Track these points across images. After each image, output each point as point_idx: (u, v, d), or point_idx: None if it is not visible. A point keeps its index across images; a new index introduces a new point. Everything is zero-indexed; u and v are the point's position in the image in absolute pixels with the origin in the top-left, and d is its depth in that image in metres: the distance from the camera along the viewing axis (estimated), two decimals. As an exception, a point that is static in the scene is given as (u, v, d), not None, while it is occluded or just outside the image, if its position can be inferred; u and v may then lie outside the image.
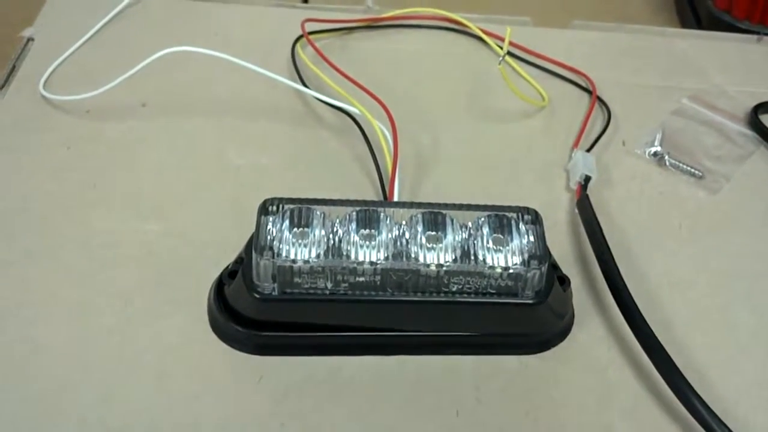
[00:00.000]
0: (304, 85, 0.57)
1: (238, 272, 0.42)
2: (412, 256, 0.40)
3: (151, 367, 0.42)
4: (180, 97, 0.57)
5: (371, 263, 0.40)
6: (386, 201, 0.49)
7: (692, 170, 0.55)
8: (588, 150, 0.55)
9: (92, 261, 0.46)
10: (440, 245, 0.40)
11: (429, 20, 0.65)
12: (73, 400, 0.40)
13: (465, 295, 0.41)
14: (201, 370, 0.42)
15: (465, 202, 0.42)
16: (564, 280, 0.44)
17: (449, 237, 0.41)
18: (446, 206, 0.42)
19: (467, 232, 0.41)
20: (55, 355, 0.42)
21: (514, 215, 0.42)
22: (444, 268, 0.40)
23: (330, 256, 0.40)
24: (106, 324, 0.43)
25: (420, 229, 0.41)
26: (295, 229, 0.40)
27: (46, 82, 0.57)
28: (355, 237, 0.40)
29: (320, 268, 0.39)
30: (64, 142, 0.53)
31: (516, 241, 0.41)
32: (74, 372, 0.41)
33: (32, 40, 0.60)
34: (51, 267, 0.46)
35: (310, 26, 0.61)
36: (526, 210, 0.42)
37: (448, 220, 0.41)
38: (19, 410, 0.39)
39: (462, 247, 0.41)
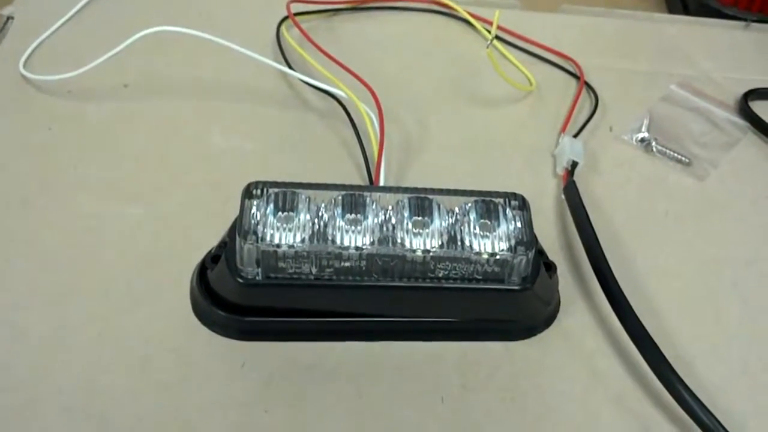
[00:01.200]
0: (290, 67, 0.56)
1: (221, 256, 0.41)
2: (398, 241, 0.40)
3: (132, 352, 0.41)
4: (163, 79, 0.56)
5: (357, 248, 0.39)
6: (372, 186, 0.48)
7: (679, 157, 0.54)
8: (575, 135, 0.55)
9: (73, 244, 0.45)
10: (427, 231, 0.40)
11: (416, 3, 0.65)
12: (55, 386, 0.39)
13: (451, 281, 0.40)
14: (183, 355, 0.41)
15: (452, 188, 0.42)
16: (550, 267, 0.44)
17: (436, 222, 0.40)
18: (433, 191, 0.42)
19: (454, 218, 0.41)
20: (35, 341, 0.41)
21: (501, 201, 0.42)
22: (430, 254, 0.40)
23: (315, 241, 0.39)
24: (87, 309, 0.42)
25: (406, 214, 0.40)
26: (280, 213, 0.40)
27: (26, 61, 0.56)
28: (340, 222, 0.40)
29: (305, 253, 0.39)
30: (45, 122, 0.52)
31: (503, 227, 0.41)
32: (55, 358, 0.40)
33: (12, 18, 0.59)
34: (31, 250, 0.45)
35: (296, 7, 0.61)
36: (513, 196, 0.42)
37: (434, 206, 0.41)
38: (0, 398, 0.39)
39: (448, 232, 0.40)
